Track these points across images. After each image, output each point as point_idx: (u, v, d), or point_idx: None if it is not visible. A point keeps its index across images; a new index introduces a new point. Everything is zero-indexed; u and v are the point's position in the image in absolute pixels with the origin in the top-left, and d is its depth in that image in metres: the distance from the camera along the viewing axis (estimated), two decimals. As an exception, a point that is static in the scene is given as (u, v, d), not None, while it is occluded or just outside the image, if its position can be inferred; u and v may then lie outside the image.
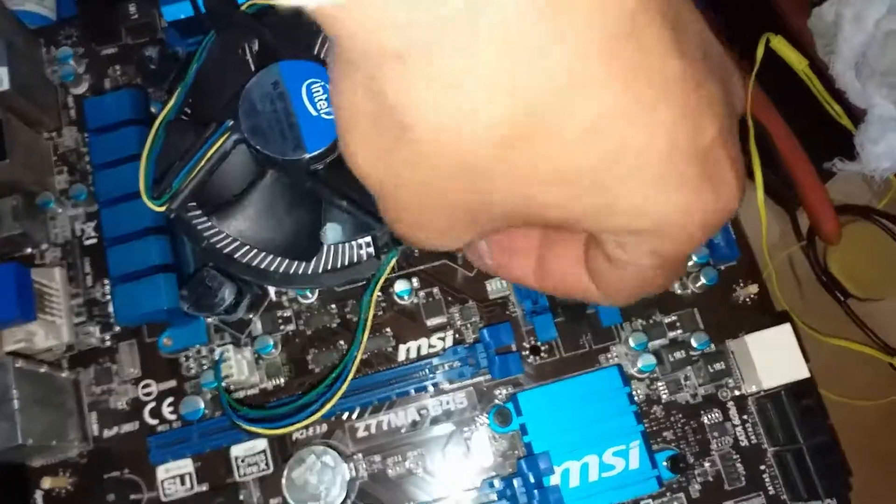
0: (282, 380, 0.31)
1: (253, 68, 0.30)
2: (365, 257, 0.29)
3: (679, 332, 0.31)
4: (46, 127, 0.34)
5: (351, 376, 0.28)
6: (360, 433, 0.30)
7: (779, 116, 0.40)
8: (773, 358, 0.29)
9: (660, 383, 0.31)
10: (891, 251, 0.42)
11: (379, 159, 0.15)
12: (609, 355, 0.31)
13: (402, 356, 0.31)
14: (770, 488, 0.30)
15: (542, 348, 0.31)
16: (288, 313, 0.32)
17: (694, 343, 0.31)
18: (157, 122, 0.30)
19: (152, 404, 0.30)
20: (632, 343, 0.30)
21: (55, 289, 0.31)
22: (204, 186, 0.28)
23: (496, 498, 0.29)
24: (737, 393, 0.31)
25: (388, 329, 0.31)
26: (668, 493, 0.30)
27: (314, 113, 0.28)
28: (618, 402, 0.29)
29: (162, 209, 0.27)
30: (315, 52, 0.31)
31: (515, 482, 0.29)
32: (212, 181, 0.28)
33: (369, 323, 0.29)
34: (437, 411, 0.30)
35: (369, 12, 0.12)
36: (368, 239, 0.29)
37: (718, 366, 0.31)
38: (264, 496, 0.29)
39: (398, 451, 0.30)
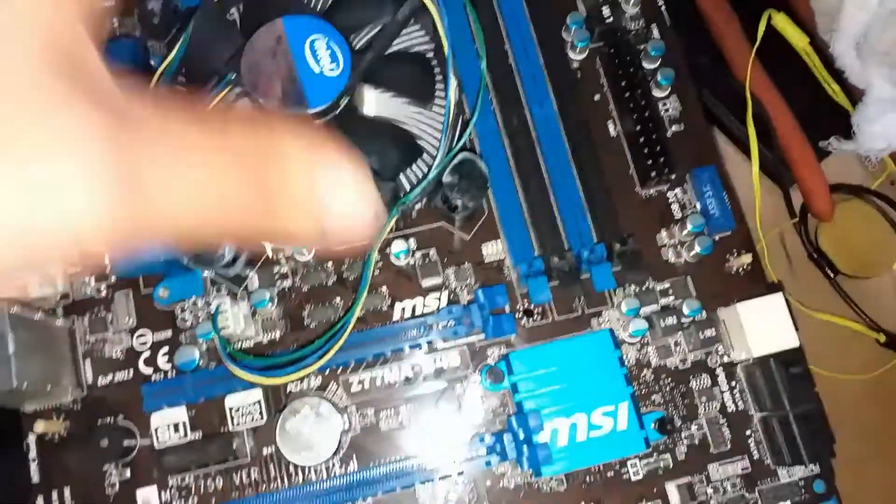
0: (277, 333, 0.31)
1: (239, 27, 0.30)
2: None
3: (671, 298, 0.32)
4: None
5: (349, 331, 0.29)
6: (354, 387, 0.30)
7: (777, 93, 0.40)
8: (764, 326, 0.30)
9: (650, 348, 0.31)
10: (882, 231, 0.42)
11: None
12: (601, 320, 0.32)
13: (397, 315, 0.31)
14: (755, 453, 0.31)
15: (536, 311, 0.31)
16: (285, 269, 0.32)
17: (685, 310, 0.31)
18: (156, 75, 0.30)
19: (147, 353, 0.31)
20: (624, 308, 0.31)
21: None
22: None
23: (485, 452, 0.30)
24: (726, 360, 0.31)
25: (384, 288, 0.32)
26: (654, 454, 0.30)
27: (317, 69, 0.28)
28: (608, 365, 0.30)
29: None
30: (318, 8, 0.31)
31: (505, 438, 0.29)
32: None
33: (370, 281, 0.29)
34: (429, 369, 0.31)
35: None
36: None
37: (709, 332, 0.31)
38: (257, 446, 0.30)
39: (391, 405, 0.31)
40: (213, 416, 0.30)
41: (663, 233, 0.32)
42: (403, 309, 0.31)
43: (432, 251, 0.32)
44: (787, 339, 0.30)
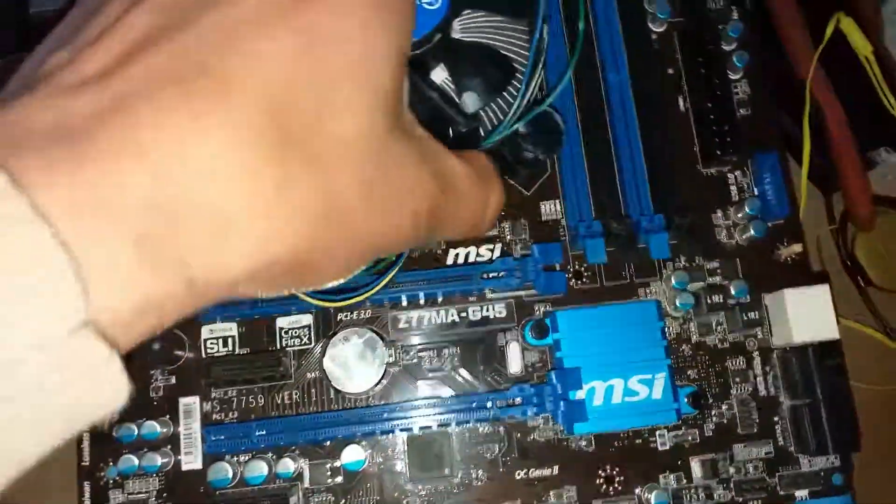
0: (332, 263, 0.31)
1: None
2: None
3: (718, 278, 0.32)
4: None
5: (401, 263, 0.29)
6: (402, 324, 0.31)
7: (835, 97, 0.40)
8: (808, 315, 0.30)
9: (692, 324, 0.32)
10: (920, 247, 0.43)
11: None
12: (648, 290, 0.32)
13: (450, 260, 0.32)
14: (780, 439, 0.31)
15: (585, 274, 0.32)
16: (343, 202, 0.32)
17: (732, 290, 0.31)
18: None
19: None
20: (674, 281, 0.31)
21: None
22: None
23: (521, 402, 0.30)
24: (763, 344, 0.32)
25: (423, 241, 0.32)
26: (683, 427, 0.31)
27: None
28: (650, 335, 0.30)
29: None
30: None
31: (545, 390, 0.30)
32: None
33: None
34: (476, 316, 0.31)
35: None
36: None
37: (752, 315, 0.32)
38: (302, 369, 0.30)
39: (434, 346, 0.31)
40: (261, 334, 0.30)
41: (718, 212, 0.33)
42: (457, 255, 0.32)
43: (490, 203, 0.32)
44: (828, 330, 0.31)
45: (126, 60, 0.14)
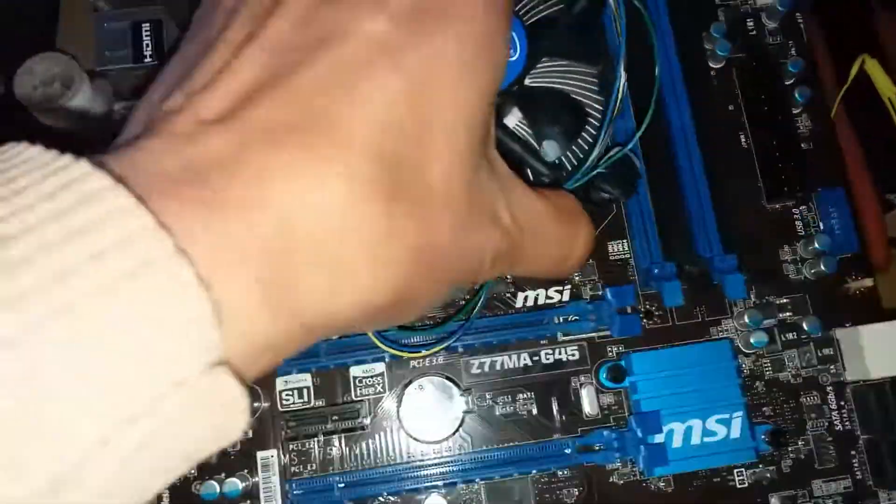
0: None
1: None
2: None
3: (789, 314, 0.32)
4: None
5: (475, 312, 0.29)
6: (475, 370, 0.31)
7: (856, 139, 0.40)
8: (884, 350, 0.30)
9: (765, 360, 0.32)
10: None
11: None
12: (719, 328, 0.32)
13: (519, 303, 0.32)
14: (858, 473, 0.31)
15: (657, 314, 0.32)
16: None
17: (805, 326, 0.31)
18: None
19: (277, 317, 0.31)
20: (747, 319, 0.31)
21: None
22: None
23: (600, 448, 0.30)
24: (836, 379, 0.32)
25: (508, 276, 0.32)
26: (760, 465, 0.31)
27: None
28: (725, 374, 0.30)
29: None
30: None
31: (627, 436, 0.30)
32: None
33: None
34: (549, 359, 0.31)
35: None
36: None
37: (827, 351, 0.32)
38: (378, 418, 0.30)
39: (508, 391, 0.31)
40: (336, 384, 0.30)
41: (785, 248, 0.33)
42: (526, 297, 0.32)
43: (555, 244, 0.32)
44: (905, 365, 0.30)
45: (242, 105, 0.14)
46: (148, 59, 0.29)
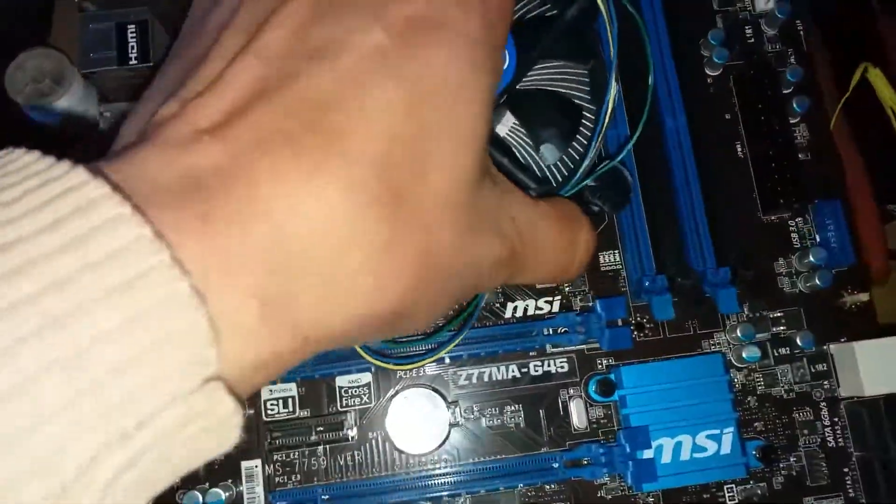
0: (391, 319, 0.31)
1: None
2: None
3: (783, 328, 0.32)
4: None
5: (469, 328, 0.29)
6: (462, 381, 0.31)
7: (856, 150, 0.39)
8: (879, 367, 0.30)
9: (757, 375, 0.31)
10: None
11: None
12: (711, 342, 0.32)
13: (508, 313, 0.31)
14: (850, 491, 0.31)
15: (647, 326, 0.31)
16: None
17: (799, 341, 0.31)
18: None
19: (262, 325, 0.31)
20: (740, 333, 0.31)
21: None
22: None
23: (590, 462, 0.30)
24: (830, 395, 0.31)
25: (498, 286, 0.32)
26: (751, 482, 0.31)
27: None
28: (717, 389, 0.30)
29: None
30: None
31: (615, 450, 0.29)
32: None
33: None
34: (537, 371, 0.31)
35: None
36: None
37: (820, 367, 0.31)
38: (364, 429, 0.30)
39: (496, 403, 0.31)
40: (322, 394, 0.30)
41: (780, 260, 0.32)
42: (515, 308, 0.31)
43: (546, 254, 0.32)
44: (900, 382, 0.30)
45: (237, 114, 0.14)
46: (133, 61, 0.28)
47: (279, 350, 0.14)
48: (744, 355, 0.31)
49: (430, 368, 0.31)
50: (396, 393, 0.30)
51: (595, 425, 0.31)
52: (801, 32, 0.34)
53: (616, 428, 0.30)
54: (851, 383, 0.31)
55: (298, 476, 0.29)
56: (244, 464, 0.29)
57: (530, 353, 0.31)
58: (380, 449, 0.30)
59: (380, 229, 0.14)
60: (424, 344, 0.29)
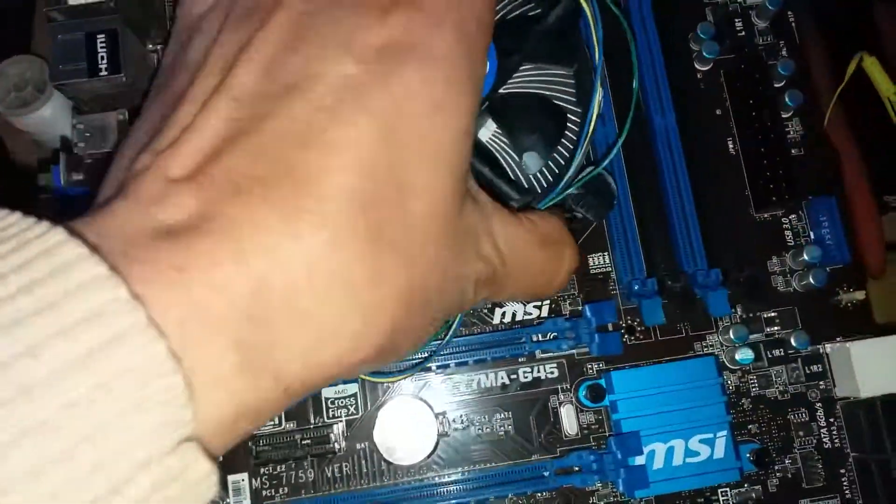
0: (376, 328, 0.31)
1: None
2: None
3: (777, 328, 0.31)
4: (153, 39, 0.32)
5: (450, 334, 0.28)
6: (450, 389, 0.30)
7: (852, 142, 0.38)
8: (875, 368, 0.29)
9: (751, 377, 0.31)
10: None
11: None
12: (704, 344, 0.31)
13: (496, 319, 0.31)
14: (847, 492, 0.30)
15: (638, 329, 0.31)
16: (383, 261, 0.31)
17: (793, 342, 0.30)
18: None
19: (246, 337, 0.30)
20: (732, 335, 0.30)
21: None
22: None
23: (580, 469, 0.29)
24: (826, 395, 0.31)
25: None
26: (746, 485, 0.30)
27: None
28: (710, 392, 0.30)
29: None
30: None
31: (606, 458, 0.29)
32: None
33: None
34: (527, 378, 0.30)
35: None
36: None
37: (815, 368, 0.31)
38: (352, 440, 0.29)
39: (485, 411, 0.30)
40: (307, 407, 0.30)
41: (774, 259, 0.32)
42: (504, 313, 0.31)
43: (535, 257, 0.31)
44: (896, 383, 0.29)
45: (209, 161, 0.14)
46: (103, 73, 0.27)
47: (262, 398, 0.14)
48: (737, 357, 0.30)
49: (418, 378, 0.30)
50: (384, 403, 0.29)
51: (587, 431, 0.30)
52: (793, 24, 0.33)
53: (608, 434, 0.30)
54: (847, 384, 0.30)
55: (286, 489, 0.29)
56: (231, 478, 0.29)
57: (519, 360, 0.30)
58: (368, 460, 0.29)
59: (363, 264, 0.14)
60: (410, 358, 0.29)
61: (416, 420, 0.29)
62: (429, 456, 0.29)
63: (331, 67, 0.15)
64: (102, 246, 0.12)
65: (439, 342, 0.29)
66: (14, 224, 0.12)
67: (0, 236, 0.12)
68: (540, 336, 0.30)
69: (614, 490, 0.30)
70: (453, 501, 0.29)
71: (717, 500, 0.30)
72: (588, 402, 0.30)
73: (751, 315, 0.31)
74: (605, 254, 0.31)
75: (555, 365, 0.30)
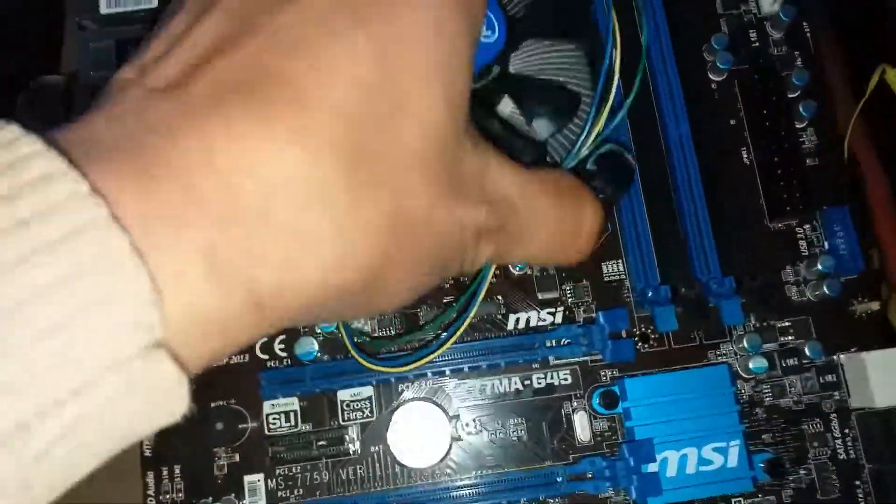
0: (392, 332, 0.31)
1: None
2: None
3: (791, 338, 0.31)
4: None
5: (462, 330, 0.28)
6: (464, 394, 0.30)
7: (875, 157, 0.38)
8: (891, 378, 0.29)
9: (765, 386, 0.31)
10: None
11: None
12: (718, 352, 0.31)
13: (510, 325, 0.31)
14: (862, 503, 0.30)
15: (652, 337, 0.31)
16: (399, 267, 0.32)
17: (808, 352, 0.30)
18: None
19: (264, 339, 0.31)
20: (746, 344, 0.30)
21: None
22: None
23: (593, 476, 0.29)
24: (841, 405, 0.31)
25: (500, 297, 0.31)
26: (759, 495, 0.30)
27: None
28: (723, 400, 0.29)
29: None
30: None
31: (619, 465, 0.29)
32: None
33: (487, 284, 0.29)
34: (540, 384, 0.31)
35: None
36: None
37: (830, 378, 0.31)
38: (366, 443, 0.30)
39: (498, 416, 0.30)
40: (323, 409, 0.30)
41: (788, 268, 0.32)
42: (518, 319, 0.31)
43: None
44: (912, 393, 0.29)
45: (193, 71, 0.14)
46: (132, 80, 0.28)
47: (230, 314, 0.13)
48: (751, 366, 0.30)
49: (432, 382, 0.30)
50: (398, 406, 0.29)
51: (600, 438, 0.30)
52: (808, 34, 0.33)
53: (621, 440, 0.30)
54: (862, 394, 0.30)
55: (301, 490, 0.29)
56: (247, 478, 0.30)
57: (533, 365, 0.31)
58: (382, 463, 0.30)
59: (345, 185, 0.13)
60: (426, 333, 0.29)
61: (430, 423, 0.29)
62: (442, 460, 0.29)
63: None
64: (67, 148, 0.12)
65: (451, 326, 0.29)
66: None
67: None
68: (554, 342, 0.30)
69: (627, 497, 0.30)
70: (466, 505, 0.29)
71: (731, 510, 0.30)
72: (601, 409, 0.30)
73: (765, 324, 0.31)
74: (619, 261, 0.32)
75: (568, 371, 0.31)
